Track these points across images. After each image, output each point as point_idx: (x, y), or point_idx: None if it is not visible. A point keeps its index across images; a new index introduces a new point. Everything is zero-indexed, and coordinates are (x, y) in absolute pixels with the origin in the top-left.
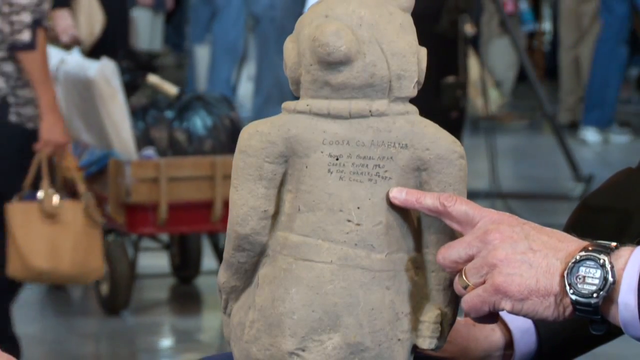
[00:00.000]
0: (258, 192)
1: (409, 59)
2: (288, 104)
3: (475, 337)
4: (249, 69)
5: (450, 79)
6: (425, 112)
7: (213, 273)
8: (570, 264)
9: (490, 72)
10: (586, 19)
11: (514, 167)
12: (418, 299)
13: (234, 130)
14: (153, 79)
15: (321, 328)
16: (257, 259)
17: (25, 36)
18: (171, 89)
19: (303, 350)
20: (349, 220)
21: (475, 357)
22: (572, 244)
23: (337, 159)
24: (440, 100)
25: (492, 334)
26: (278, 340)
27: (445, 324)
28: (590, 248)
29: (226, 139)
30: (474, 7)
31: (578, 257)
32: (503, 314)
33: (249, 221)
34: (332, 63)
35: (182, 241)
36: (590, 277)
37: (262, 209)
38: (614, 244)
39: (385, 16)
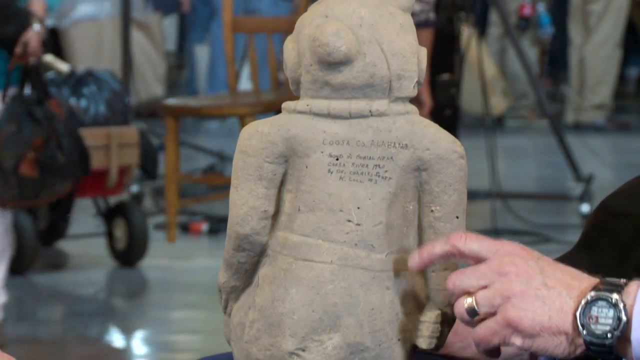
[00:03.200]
0: (258, 192)
1: (409, 59)
2: (288, 104)
3: None
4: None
5: (445, 76)
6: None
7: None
8: (582, 303)
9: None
10: (593, 18)
11: (514, 167)
12: (418, 299)
13: (124, 103)
14: (47, 57)
15: (321, 328)
16: (257, 259)
17: (431, 15)
18: (63, 67)
19: (303, 351)
20: (349, 220)
21: (508, 355)
22: (584, 282)
23: (337, 159)
24: (434, 97)
25: None
26: (278, 340)
27: (445, 324)
28: (601, 287)
29: (119, 110)
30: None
31: (589, 298)
32: None
33: (249, 221)
34: (332, 63)
35: (51, 206)
36: (603, 317)
37: (262, 209)
38: (623, 280)
39: (385, 16)
